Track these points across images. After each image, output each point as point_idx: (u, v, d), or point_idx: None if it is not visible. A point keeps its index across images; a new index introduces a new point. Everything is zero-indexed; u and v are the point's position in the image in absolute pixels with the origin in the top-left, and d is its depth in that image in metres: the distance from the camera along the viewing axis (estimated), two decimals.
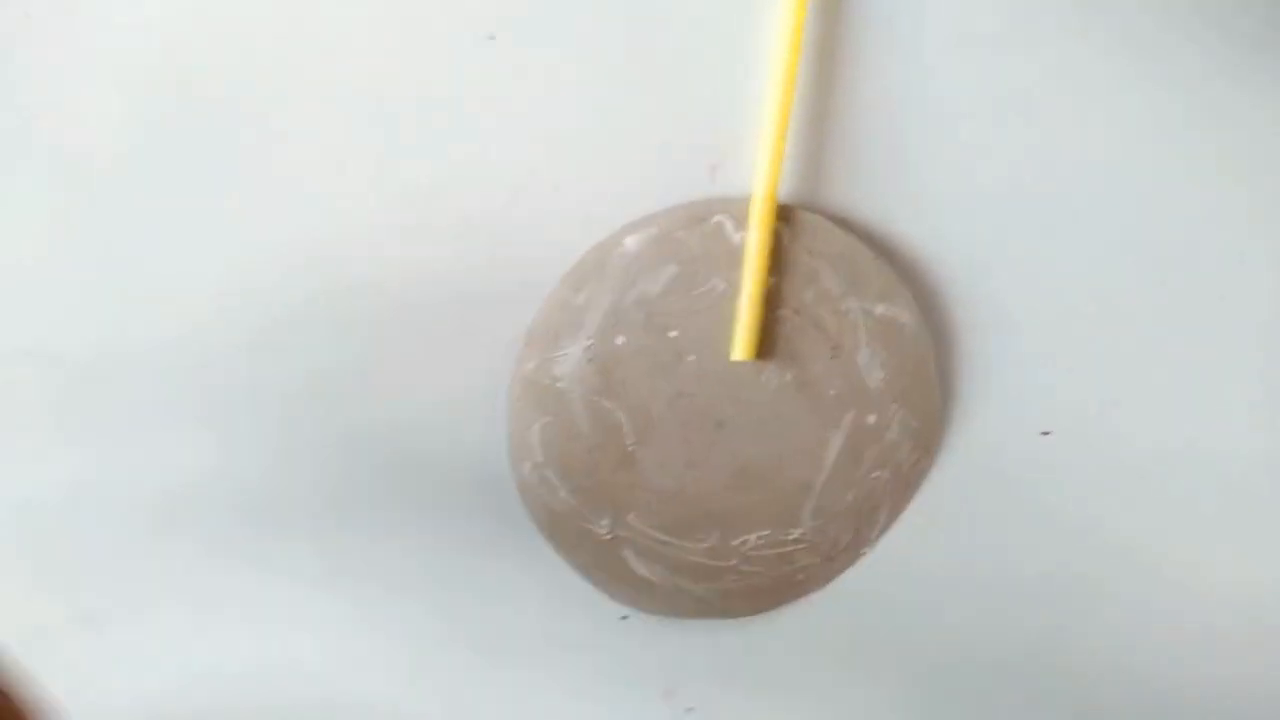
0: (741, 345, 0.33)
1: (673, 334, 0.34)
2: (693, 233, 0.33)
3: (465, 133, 0.32)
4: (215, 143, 0.32)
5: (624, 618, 0.37)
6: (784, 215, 0.33)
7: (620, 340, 0.34)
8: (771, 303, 0.34)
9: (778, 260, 0.33)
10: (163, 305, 0.33)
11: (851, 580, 0.38)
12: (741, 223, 0.33)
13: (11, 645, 0.36)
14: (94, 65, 0.31)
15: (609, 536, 0.35)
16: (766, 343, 0.34)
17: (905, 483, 0.36)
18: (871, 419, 0.35)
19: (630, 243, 0.33)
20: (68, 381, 0.34)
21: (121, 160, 0.32)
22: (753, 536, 0.36)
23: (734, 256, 0.33)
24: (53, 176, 0.32)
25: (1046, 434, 0.37)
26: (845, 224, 0.34)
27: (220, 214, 0.32)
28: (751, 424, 0.35)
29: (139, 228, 0.33)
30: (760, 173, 0.33)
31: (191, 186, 0.32)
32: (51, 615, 0.36)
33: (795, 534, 0.36)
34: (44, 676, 0.36)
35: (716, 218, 0.33)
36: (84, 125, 0.31)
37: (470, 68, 0.32)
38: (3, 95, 0.31)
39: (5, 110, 0.31)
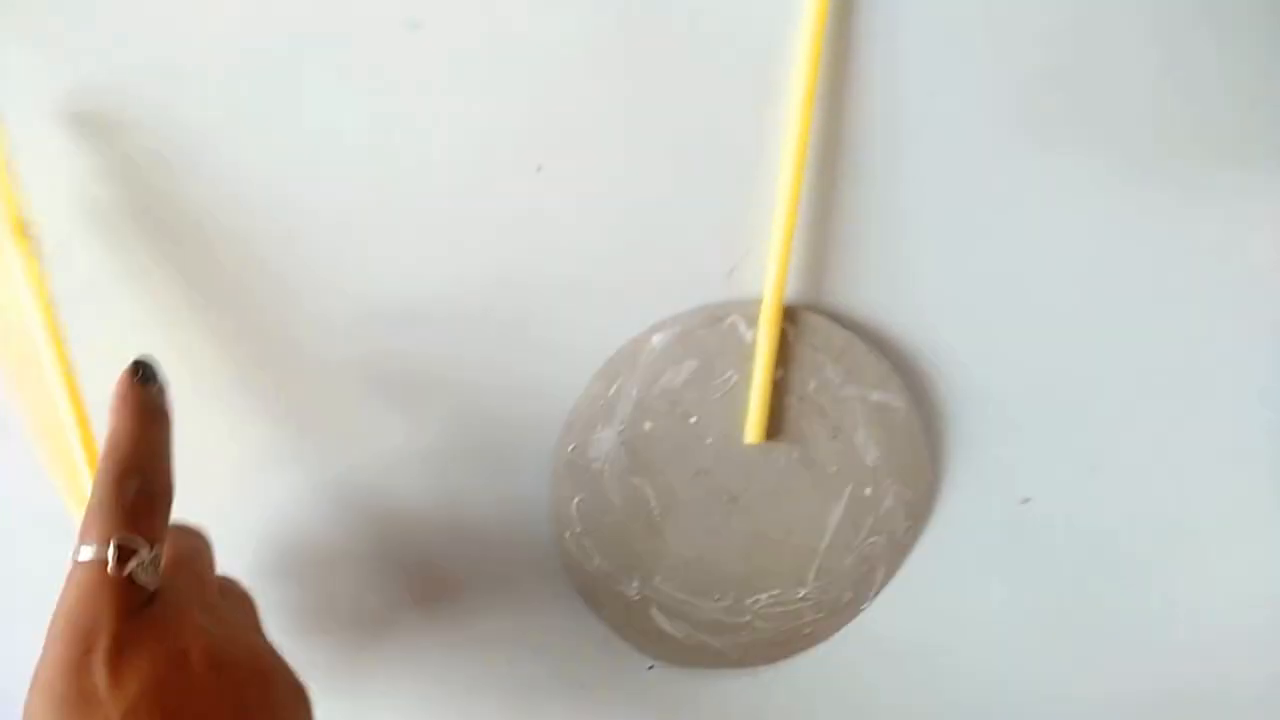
0: (753, 429, 0.38)
1: (693, 420, 0.38)
2: (711, 331, 0.38)
3: (521, 248, 0.37)
4: None
5: (650, 668, 0.42)
6: (790, 315, 0.38)
7: (648, 425, 0.38)
8: (779, 391, 0.38)
9: (784, 354, 0.38)
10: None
11: (852, 633, 0.42)
12: (753, 322, 0.38)
13: None
14: None
15: (637, 597, 0.40)
16: (775, 426, 0.39)
17: (899, 547, 0.41)
18: (868, 491, 0.40)
19: (657, 340, 0.38)
20: None
21: None
22: (764, 596, 0.40)
23: (746, 352, 0.38)
24: None
25: (1027, 501, 0.41)
26: (844, 322, 0.38)
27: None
28: (762, 497, 0.39)
29: None
30: (769, 280, 0.37)
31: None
32: None
33: (802, 593, 0.40)
34: None
35: (731, 318, 0.38)
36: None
37: (522, 196, 0.37)
38: None
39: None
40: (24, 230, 0.33)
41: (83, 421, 0.34)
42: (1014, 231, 0.38)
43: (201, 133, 0.34)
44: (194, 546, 0.33)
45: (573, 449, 0.39)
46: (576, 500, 0.39)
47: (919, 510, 0.41)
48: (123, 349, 0.32)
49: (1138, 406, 0.40)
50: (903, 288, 0.39)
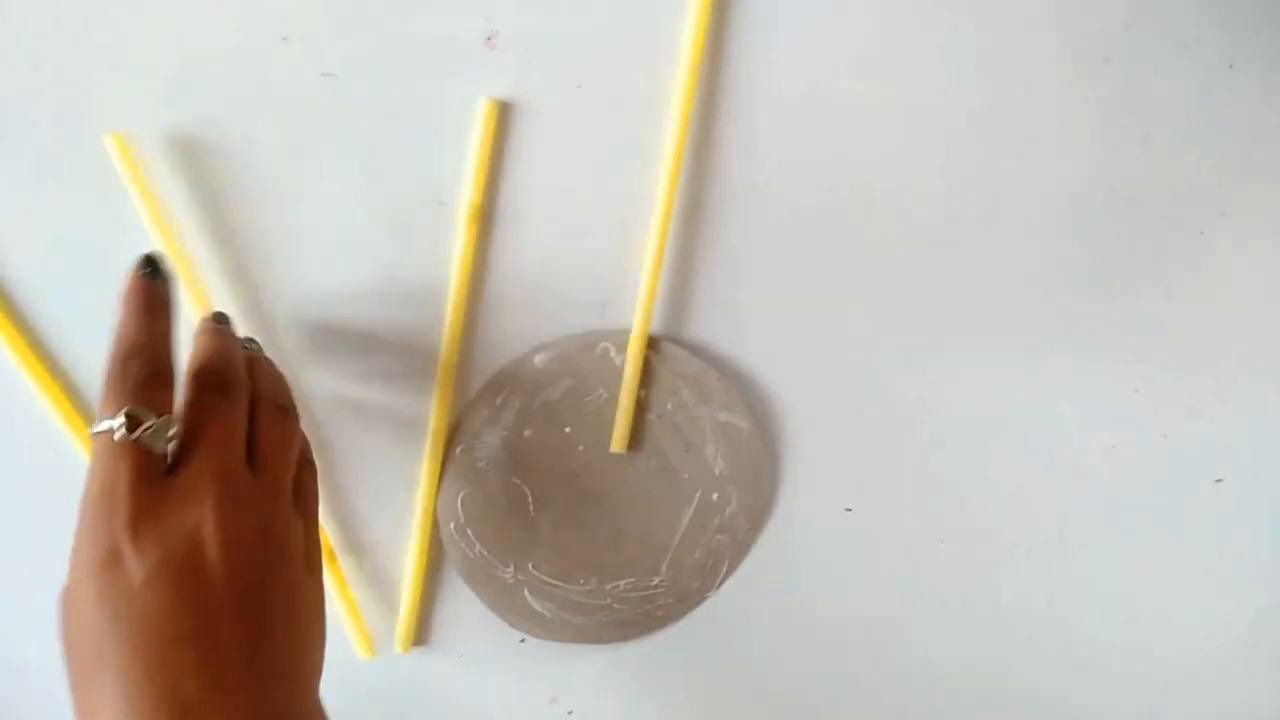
0: (618, 440, 0.44)
1: (567, 429, 0.45)
2: (585, 355, 0.44)
3: (429, 273, 0.43)
4: None
5: (521, 641, 0.48)
6: (653, 345, 0.44)
7: (528, 433, 0.44)
8: (641, 409, 0.45)
9: (647, 378, 0.44)
10: None
11: (699, 617, 0.48)
12: (621, 349, 0.44)
13: None
14: None
15: (512, 580, 0.46)
16: (637, 438, 0.45)
17: (740, 545, 0.48)
18: (715, 497, 0.46)
19: (539, 360, 0.44)
20: None
21: None
22: (623, 583, 0.47)
23: (615, 374, 0.44)
24: None
25: (849, 510, 0.48)
26: (698, 352, 0.45)
27: None
28: (624, 498, 0.46)
29: None
30: (637, 313, 0.44)
31: None
32: None
33: (655, 581, 0.47)
34: None
35: (603, 344, 0.44)
36: None
37: (432, 228, 0.42)
38: None
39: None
40: (476, 213, 0.42)
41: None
42: (846, 282, 0.45)
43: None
44: (278, 436, 0.34)
45: (461, 450, 0.44)
46: (461, 495, 0.45)
47: (758, 514, 0.47)
48: None
49: (954, 430, 0.48)
50: (748, 324, 0.45)
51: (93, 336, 0.40)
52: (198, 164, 0.41)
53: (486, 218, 0.43)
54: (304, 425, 0.43)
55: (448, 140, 0.42)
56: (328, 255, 0.43)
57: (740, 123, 0.43)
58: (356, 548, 0.46)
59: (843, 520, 0.48)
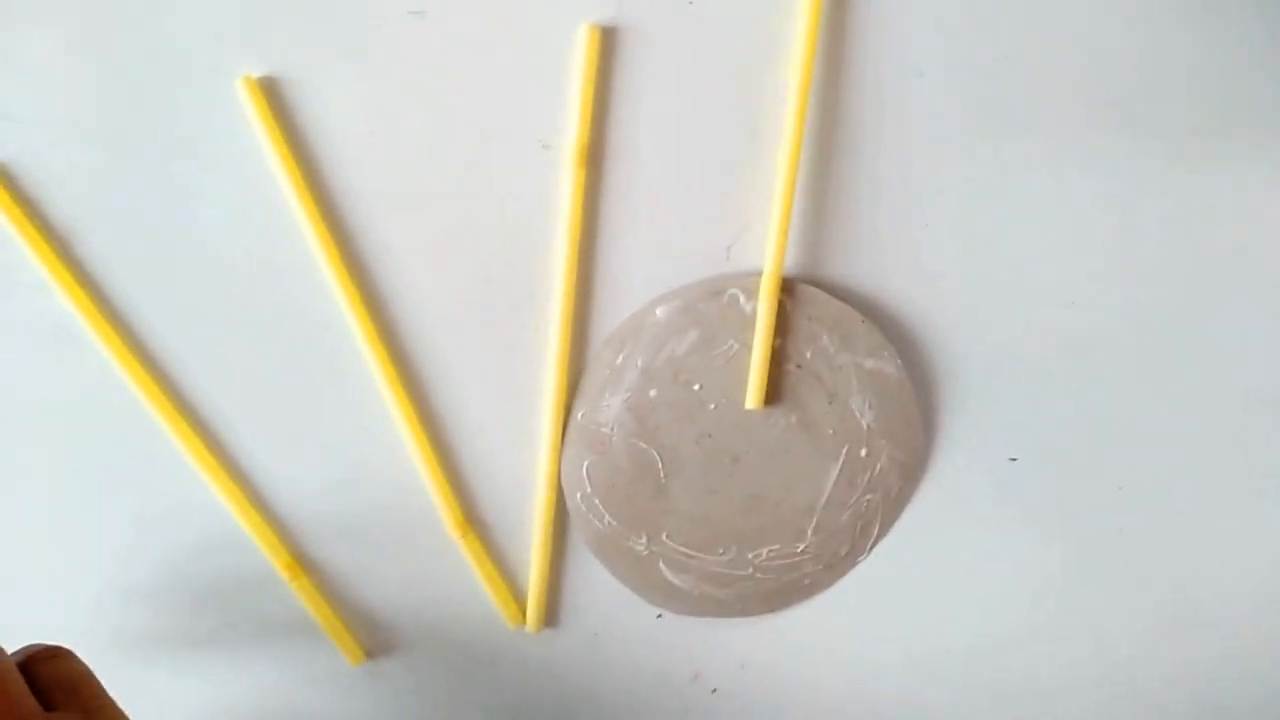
0: (753, 395, 0.40)
1: (696, 387, 0.41)
2: (711, 304, 0.40)
3: (528, 225, 0.39)
4: None
5: (659, 616, 0.44)
6: (787, 288, 0.40)
7: (653, 393, 0.41)
8: (777, 360, 0.40)
9: (782, 325, 0.40)
10: None
11: (849, 584, 0.44)
12: (751, 295, 0.40)
13: None
14: None
15: (646, 552, 0.42)
16: (774, 392, 0.41)
17: (893, 504, 0.43)
18: (863, 453, 0.42)
19: (660, 312, 0.40)
20: None
21: None
22: (765, 550, 0.43)
23: (746, 322, 0.40)
24: None
25: (1014, 460, 0.43)
26: (838, 293, 0.40)
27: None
28: (762, 459, 0.42)
29: None
30: (769, 254, 0.39)
31: None
32: None
33: (801, 547, 0.43)
34: None
35: (731, 291, 0.40)
36: None
37: (529, 174, 0.39)
38: None
39: None
40: (584, 155, 0.38)
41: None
42: (1000, 205, 0.40)
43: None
44: None
45: (583, 415, 0.41)
46: (587, 463, 0.41)
47: (911, 470, 0.43)
48: None
49: (1118, 372, 0.42)
50: (893, 260, 0.41)
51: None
52: (284, 114, 0.38)
53: (595, 159, 0.39)
54: (413, 401, 0.41)
55: (549, 77, 0.38)
56: (423, 210, 0.39)
57: (877, 29, 0.38)
58: (478, 526, 0.43)
59: (1008, 471, 0.44)
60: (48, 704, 0.30)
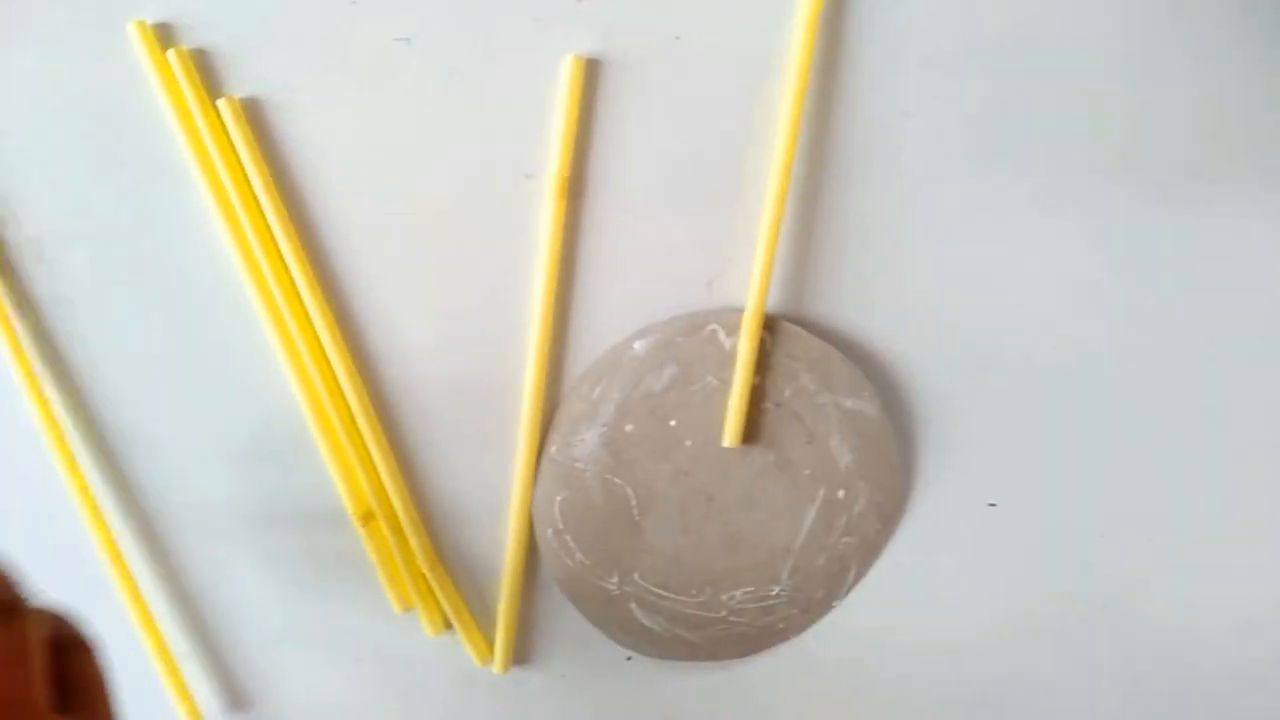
0: (731, 432, 0.40)
1: (673, 423, 0.40)
2: (691, 339, 0.39)
3: (509, 254, 0.39)
4: None
5: (629, 658, 0.43)
6: (768, 325, 0.39)
7: (629, 428, 0.40)
8: (756, 397, 0.40)
9: (762, 362, 0.40)
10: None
11: (824, 629, 0.43)
12: (731, 331, 0.39)
13: None
14: None
15: (617, 592, 0.41)
16: (752, 430, 0.40)
17: (870, 547, 0.42)
18: (841, 494, 0.41)
19: (639, 346, 0.39)
20: None
21: None
22: (739, 592, 0.42)
23: (725, 359, 0.39)
24: None
25: (993, 505, 0.43)
26: (819, 332, 0.40)
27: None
28: (739, 498, 0.41)
29: None
30: (752, 290, 0.39)
31: None
32: None
33: (775, 590, 0.42)
34: None
35: (710, 326, 0.39)
36: None
37: (512, 203, 0.38)
38: None
39: None
40: (565, 185, 0.38)
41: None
42: (986, 247, 0.40)
43: None
44: None
45: (556, 449, 0.40)
46: (559, 499, 0.40)
47: (890, 512, 0.42)
48: None
49: (1103, 418, 0.42)
50: (876, 300, 0.40)
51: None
52: (266, 136, 0.38)
53: (577, 190, 0.39)
54: (388, 427, 0.40)
55: (533, 107, 0.38)
56: (403, 236, 0.39)
57: (868, 68, 0.38)
58: (446, 560, 0.42)
59: (986, 517, 0.43)
60: (64, 700, 0.27)
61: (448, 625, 0.42)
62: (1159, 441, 0.42)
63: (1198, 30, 0.38)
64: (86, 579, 0.41)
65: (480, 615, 0.43)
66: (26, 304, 0.40)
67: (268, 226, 0.38)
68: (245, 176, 0.38)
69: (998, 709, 0.45)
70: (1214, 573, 0.44)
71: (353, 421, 0.40)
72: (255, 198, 0.38)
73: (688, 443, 0.40)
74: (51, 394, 0.40)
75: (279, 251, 0.38)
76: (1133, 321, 0.41)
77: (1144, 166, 0.39)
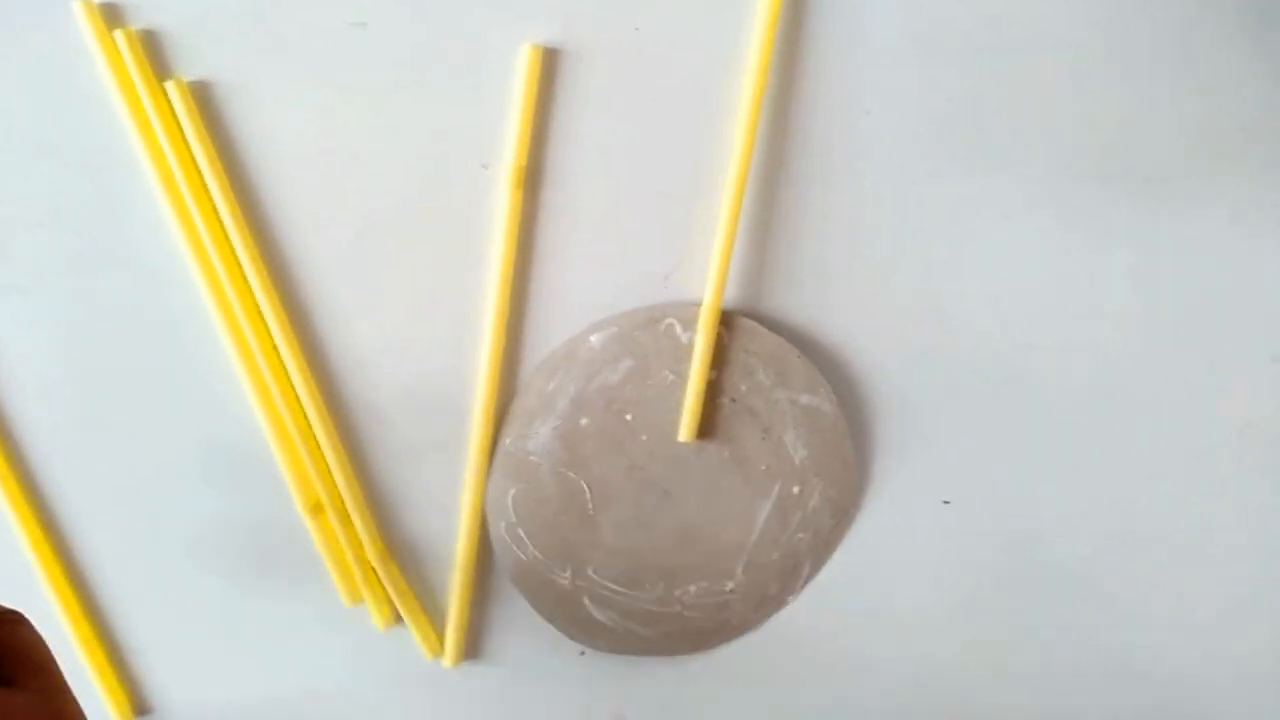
0: (686, 427, 0.39)
1: (628, 417, 0.40)
2: (647, 332, 0.39)
3: (465, 244, 0.38)
4: None
5: (581, 653, 0.43)
6: (725, 320, 0.39)
7: (584, 421, 0.40)
8: (712, 392, 0.40)
9: (719, 357, 0.39)
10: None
11: (778, 625, 0.43)
12: (689, 325, 0.39)
13: None
14: None
15: (570, 586, 0.41)
16: (707, 425, 0.40)
17: (825, 544, 0.42)
18: (796, 490, 0.41)
19: (595, 339, 0.39)
20: None
21: None
22: (693, 587, 0.42)
23: (682, 353, 0.39)
24: None
25: (947, 503, 0.43)
26: (776, 327, 0.40)
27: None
28: (693, 493, 0.41)
29: None
30: (709, 284, 0.39)
31: None
32: None
33: (730, 585, 0.42)
34: None
35: (668, 320, 0.39)
36: None
37: (469, 193, 0.38)
38: None
39: None
40: (521, 176, 0.37)
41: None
42: (940, 246, 0.40)
43: None
44: None
45: (510, 442, 0.40)
46: (513, 492, 0.40)
47: (844, 509, 0.42)
48: None
49: (1058, 415, 0.42)
50: (833, 296, 0.40)
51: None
52: (216, 121, 0.37)
53: (534, 180, 0.38)
54: (339, 418, 0.39)
55: (490, 96, 0.37)
56: (355, 224, 0.38)
57: (828, 63, 0.38)
58: (397, 552, 0.41)
59: (940, 514, 0.43)
60: (1, 675, 0.27)
61: (397, 618, 0.42)
62: (1113, 440, 0.43)
63: (1169, 26, 0.38)
64: (18, 571, 0.40)
65: (430, 609, 0.42)
66: None
67: (217, 214, 0.38)
68: (194, 163, 0.37)
69: (949, 705, 0.46)
70: (1166, 571, 0.44)
71: (301, 412, 0.39)
72: (204, 184, 0.37)
73: (643, 437, 0.40)
74: None
75: (228, 239, 0.38)
76: (1088, 319, 0.41)
77: (1107, 164, 0.40)
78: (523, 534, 0.40)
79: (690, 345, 0.39)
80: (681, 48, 0.37)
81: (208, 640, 0.42)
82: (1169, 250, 0.40)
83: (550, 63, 0.37)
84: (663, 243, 0.39)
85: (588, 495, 0.40)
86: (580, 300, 0.39)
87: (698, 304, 0.39)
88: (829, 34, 0.37)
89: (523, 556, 0.41)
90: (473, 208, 0.38)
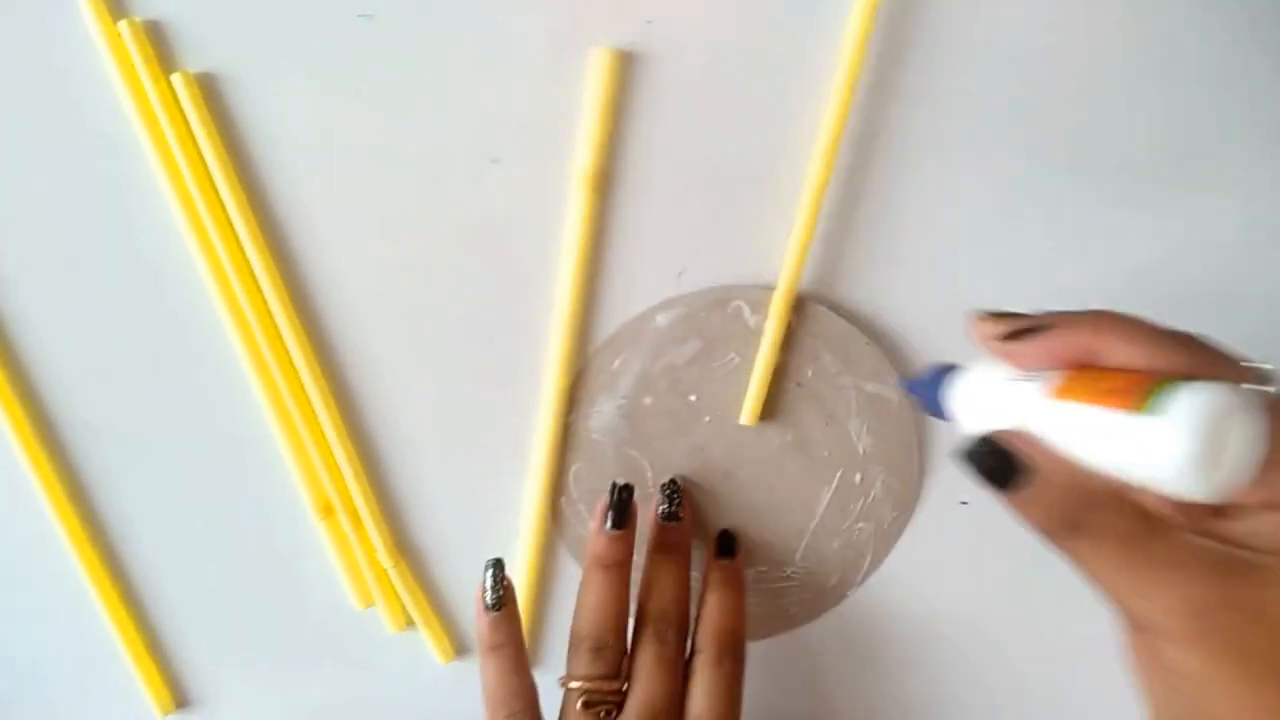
0: (750, 410, 0.39)
1: (692, 398, 0.40)
2: (715, 314, 0.39)
3: (532, 225, 0.39)
4: None
5: None
6: (795, 304, 0.39)
7: (648, 400, 0.40)
8: (778, 376, 0.40)
9: (786, 341, 0.39)
10: None
11: (836, 618, 0.43)
12: (756, 307, 0.39)
13: None
14: None
15: None
16: (771, 409, 0.40)
17: (885, 536, 0.42)
18: (858, 478, 0.41)
19: (662, 319, 0.39)
20: None
21: None
22: (751, 572, 0.41)
23: (749, 336, 0.39)
24: None
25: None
26: (845, 314, 0.40)
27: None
28: (754, 476, 0.40)
29: None
30: (785, 268, 0.38)
31: None
32: None
33: (788, 572, 0.42)
34: None
35: (736, 302, 0.39)
36: None
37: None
38: None
39: None
40: (598, 180, 0.37)
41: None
42: (1011, 239, 0.39)
43: None
44: None
45: (574, 418, 0.40)
46: (575, 468, 0.40)
47: (905, 500, 0.42)
48: None
49: None
50: (903, 285, 0.40)
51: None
52: (222, 114, 0.37)
53: (602, 182, 0.38)
54: (345, 412, 0.40)
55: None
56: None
57: (921, 53, 0.37)
58: (408, 555, 0.41)
59: (998, 509, 0.42)
60: None
61: (410, 622, 0.42)
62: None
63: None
64: (36, 574, 0.41)
65: (442, 612, 0.42)
66: None
67: (223, 207, 0.37)
68: (200, 155, 0.37)
69: (1006, 711, 0.45)
70: None
71: (311, 411, 0.39)
72: (210, 177, 0.37)
73: (706, 418, 0.40)
74: None
75: (234, 233, 0.38)
76: (1157, 316, 0.40)
77: (1177, 165, 0.39)
78: (584, 510, 0.40)
79: (757, 328, 0.39)
80: (764, 45, 0.37)
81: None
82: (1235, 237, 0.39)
83: (625, 65, 0.38)
84: (739, 228, 0.39)
85: (649, 474, 0.40)
86: (648, 279, 0.39)
87: (766, 287, 0.39)
88: (907, 50, 0.37)
89: (583, 532, 0.41)
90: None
